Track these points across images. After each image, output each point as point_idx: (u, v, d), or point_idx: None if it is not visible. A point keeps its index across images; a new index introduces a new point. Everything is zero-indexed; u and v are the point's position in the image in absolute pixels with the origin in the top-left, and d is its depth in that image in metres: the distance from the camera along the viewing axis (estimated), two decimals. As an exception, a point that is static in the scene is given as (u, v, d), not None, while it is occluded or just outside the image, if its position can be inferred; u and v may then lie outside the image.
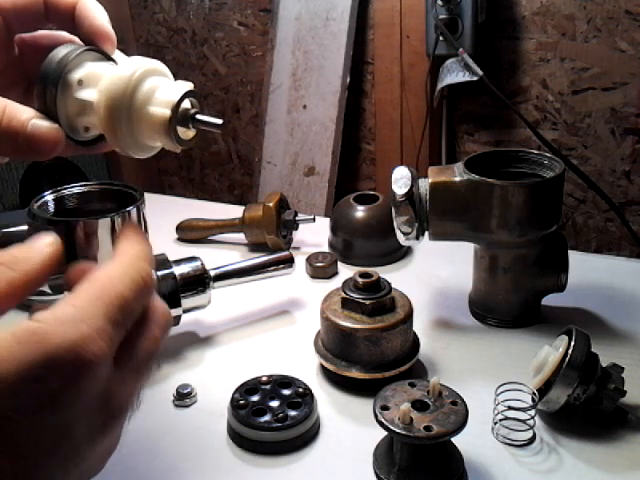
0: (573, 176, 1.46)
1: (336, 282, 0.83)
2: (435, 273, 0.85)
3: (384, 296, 0.63)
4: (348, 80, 1.74)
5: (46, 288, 0.60)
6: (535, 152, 0.73)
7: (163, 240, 0.95)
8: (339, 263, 0.87)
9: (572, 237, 1.68)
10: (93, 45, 0.49)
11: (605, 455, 0.55)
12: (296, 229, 0.92)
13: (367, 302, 0.62)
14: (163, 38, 2.05)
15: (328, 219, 0.94)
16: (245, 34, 1.92)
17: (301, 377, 0.61)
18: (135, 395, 0.39)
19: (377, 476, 0.53)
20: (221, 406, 0.60)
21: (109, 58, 0.50)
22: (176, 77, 0.49)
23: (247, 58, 1.95)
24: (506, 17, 1.58)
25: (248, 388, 0.60)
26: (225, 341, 0.73)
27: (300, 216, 0.92)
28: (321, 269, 0.85)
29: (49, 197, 0.63)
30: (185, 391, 0.62)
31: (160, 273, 0.67)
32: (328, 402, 0.62)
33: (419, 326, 0.70)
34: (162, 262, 0.68)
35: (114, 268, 0.40)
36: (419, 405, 0.52)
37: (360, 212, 0.88)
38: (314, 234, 0.95)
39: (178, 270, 0.68)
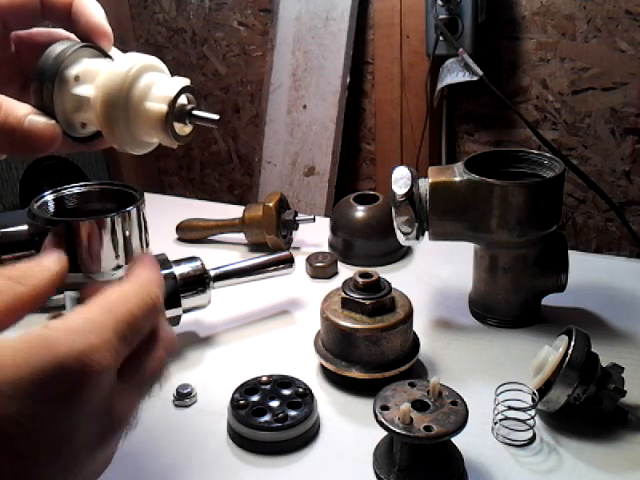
0: (573, 176, 1.46)
1: (336, 282, 0.83)
2: (435, 273, 0.85)
3: (384, 296, 0.63)
4: (348, 80, 1.74)
5: (46, 288, 0.60)
6: (535, 152, 0.73)
7: (163, 240, 0.95)
8: (339, 263, 0.87)
9: (572, 237, 1.68)
10: (90, 42, 0.49)
11: (605, 455, 0.55)
12: (296, 229, 0.92)
13: (367, 302, 0.62)
14: (163, 38, 2.05)
15: (328, 219, 0.94)
16: (245, 34, 1.92)
17: (301, 377, 0.61)
18: (135, 410, 0.40)
19: (377, 476, 0.53)
20: (221, 406, 0.60)
21: (106, 55, 0.50)
22: (176, 77, 0.49)
23: (247, 58, 1.95)
24: (506, 17, 1.58)
25: (248, 388, 0.60)
26: (225, 341, 0.73)
27: (300, 216, 0.92)
28: (321, 269, 0.85)
29: (49, 197, 0.63)
30: (185, 391, 0.62)
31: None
32: (328, 402, 0.62)
33: (419, 326, 0.70)
34: (162, 262, 0.68)
35: (127, 287, 0.42)
36: (419, 405, 0.52)
37: (360, 212, 0.88)
38: (314, 234, 0.95)
39: (178, 270, 0.68)
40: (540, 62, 1.59)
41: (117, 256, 0.60)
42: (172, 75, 0.49)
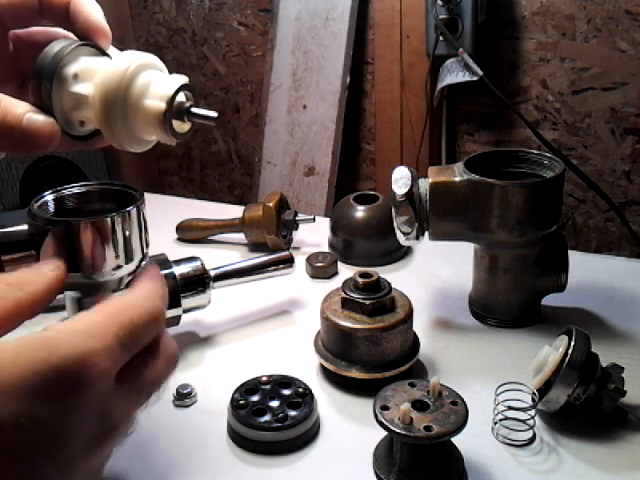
0: (573, 176, 1.46)
1: (336, 282, 0.83)
2: (435, 273, 0.85)
3: (384, 296, 0.63)
4: (348, 80, 1.74)
5: (46, 288, 0.60)
6: (535, 152, 0.73)
7: (163, 240, 0.95)
8: (339, 263, 0.87)
9: (572, 237, 1.68)
10: (88, 40, 0.49)
11: (605, 455, 0.55)
12: (296, 229, 0.92)
13: (367, 302, 0.62)
14: (163, 38, 2.05)
15: (328, 219, 0.94)
16: (245, 34, 1.92)
17: (301, 377, 0.61)
18: (132, 416, 0.41)
19: (377, 476, 0.53)
20: (221, 406, 0.60)
21: (104, 53, 0.50)
22: (176, 77, 0.49)
23: (247, 58, 1.95)
24: (506, 17, 1.58)
25: (248, 388, 0.60)
26: (225, 341, 0.73)
27: (300, 216, 0.92)
28: (321, 269, 0.85)
29: (49, 197, 0.63)
30: (185, 391, 0.62)
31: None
32: (328, 402, 0.62)
33: (419, 326, 0.70)
34: (162, 262, 0.68)
35: (131, 297, 0.43)
36: (419, 405, 0.52)
37: (360, 212, 0.88)
38: (314, 234, 0.95)
39: (178, 270, 0.68)
40: (540, 62, 1.59)
41: (117, 256, 0.60)
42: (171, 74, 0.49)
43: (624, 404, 0.58)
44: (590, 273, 0.82)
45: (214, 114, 0.48)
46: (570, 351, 0.55)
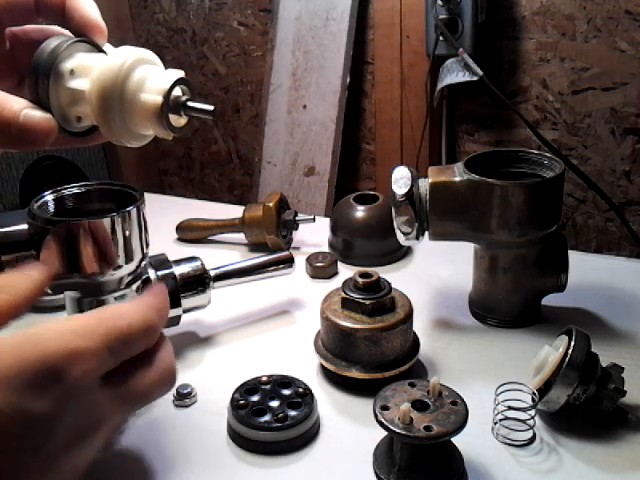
0: (573, 176, 1.46)
1: (336, 282, 0.83)
2: (435, 273, 0.85)
3: (384, 296, 0.63)
4: (348, 80, 1.74)
5: (46, 288, 0.60)
6: (535, 152, 0.73)
7: (163, 240, 0.95)
8: (339, 263, 0.87)
9: (572, 237, 1.68)
10: (84, 37, 0.49)
11: (605, 455, 0.55)
12: (296, 229, 0.92)
13: (367, 302, 0.62)
14: (163, 38, 2.05)
15: (328, 219, 0.94)
16: (245, 34, 1.93)
17: (301, 377, 0.61)
18: (116, 420, 0.42)
19: (377, 476, 0.53)
20: (221, 406, 0.60)
21: (100, 49, 0.50)
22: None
23: (247, 58, 1.95)
24: (506, 17, 1.58)
25: (248, 388, 0.60)
26: (225, 341, 0.73)
27: (300, 216, 0.92)
28: (321, 269, 0.85)
29: (49, 197, 0.63)
30: (185, 391, 0.62)
31: (160, 273, 0.67)
32: (328, 402, 0.62)
33: (419, 326, 0.70)
34: (162, 262, 0.68)
35: (126, 306, 0.44)
36: (419, 405, 0.52)
37: (360, 212, 0.88)
38: (314, 234, 0.95)
39: (178, 270, 0.68)
40: (540, 62, 1.59)
41: (117, 256, 0.60)
42: None
43: (624, 404, 0.58)
44: (590, 273, 0.82)
45: (210, 108, 0.48)
46: (570, 351, 0.55)
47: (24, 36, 0.51)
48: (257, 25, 1.90)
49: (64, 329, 0.39)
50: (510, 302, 0.72)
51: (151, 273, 0.66)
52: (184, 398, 0.62)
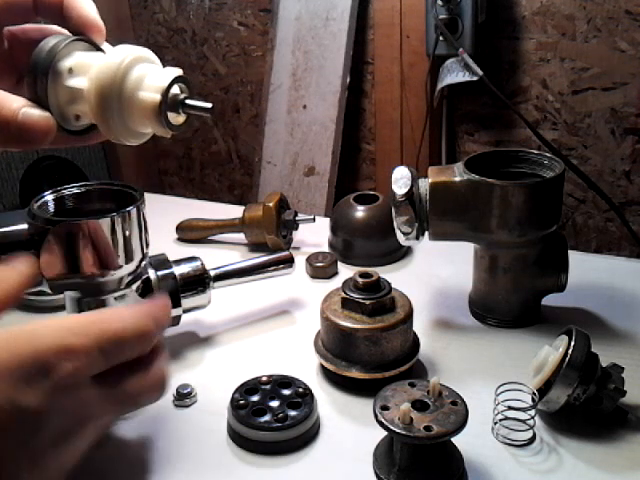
0: (573, 176, 1.46)
1: (336, 282, 0.83)
2: (435, 273, 0.85)
3: (384, 296, 0.63)
4: (348, 80, 1.74)
5: (46, 288, 0.60)
6: (535, 152, 0.73)
7: (163, 240, 0.95)
8: (339, 263, 0.87)
9: (572, 237, 1.68)
10: (82, 36, 0.49)
11: (605, 455, 0.55)
12: (296, 229, 0.92)
13: (367, 302, 0.62)
14: (163, 38, 2.05)
15: (328, 219, 0.94)
16: (245, 34, 1.93)
17: (301, 377, 0.61)
18: (104, 420, 0.43)
19: (377, 476, 0.53)
20: (221, 406, 0.60)
21: (98, 48, 0.50)
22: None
23: (247, 58, 1.95)
24: (506, 17, 1.58)
25: (248, 388, 0.60)
26: (225, 341, 0.73)
27: (300, 216, 0.92)
28: (321, 269, 0.85)
29: (49, 197, 0.63)
30: (185, 391, 0.62)
31: (160, 273, 0.67)
32: (328, 402, 0.62)
33: (419, 326, 0.70)
34: (162, 262, 0.68)
35: (125, 310, 0.46)
36: (419, 405, 0.52)
37: (360, 212, 0.88)
38: (314, 234, 0.95)
39: (178, 270, 0.68)
40: (540, 62, 1.59)
41: (117, 256, 0.60)
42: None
43: (624, 404, 0.58)
44: (590, 273, 0.82)
45: (208, 105, 0.48)
46: (570, 351, 0.55)
47: (22, 35, 0.51)
48: (257, 25, 1.90)
49: (59, 326, 0.40)
50: (510, 302, 0.72)
51: (151, 273, 0.66)
52: (184, 398, 0.62)
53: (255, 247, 0.93)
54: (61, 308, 0.74)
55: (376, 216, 0.87)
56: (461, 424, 0.50)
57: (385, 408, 0.51)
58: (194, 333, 0.74)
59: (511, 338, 0.71)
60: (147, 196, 0.65)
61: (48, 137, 0.46)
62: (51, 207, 0.63)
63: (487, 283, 0.72)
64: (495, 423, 0.58)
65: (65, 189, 0.64)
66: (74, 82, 0.48)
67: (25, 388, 0.37)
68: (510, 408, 0.56)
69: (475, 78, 1.47)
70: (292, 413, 0.57)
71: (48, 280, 0.59)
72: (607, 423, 0.57)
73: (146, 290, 0.65)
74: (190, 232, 0.96)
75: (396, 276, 0.84)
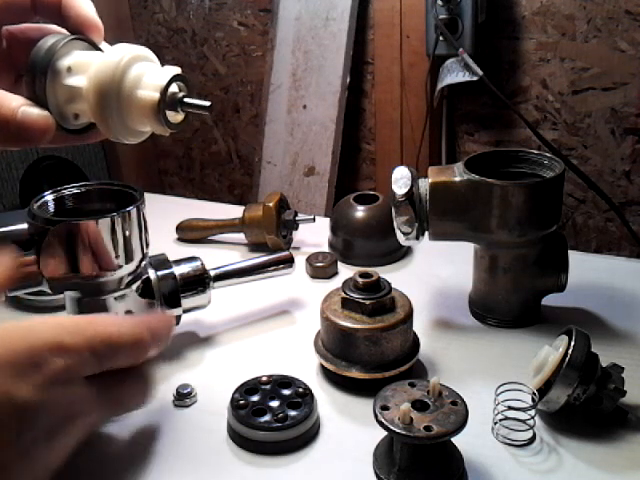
0: (573, 176, 1.46)
1: (336, 282, 0.83)
2: (435, 273, 0.85)
3: (384, 296, 0.63)
4: (348, 80, 1.74)
5: (46, 288, 0.60)
6: (535, 152, 0.73)
7: (163, 240, 0.95)
8: (339, 263, 0.87)
9: (572, 237, 1.68)
10: (81, 35, 0.49)
11: (605, 455, 0.55)
12: (296, 229, 0.92)
13: (367, 302, 0.62)
14: (163, 38, 2.05)
15: (328, 219, 0.94)
16: (245, 34, 1.93)
17: (301, 377, 0.61)
18: (92, 419, 0.45)
19: (377, 476, 0.53)
20: (221, 406, 0.60)
21: (97, 47, 0.50)
22: (176, 77, 0.49)
23: (247, 58, 1.95)
24: (506, 17, 1.58)
25: (248, 388, 0.60)
26: (225, 341, 0.73)
27: (300, 216, 0.92)
28: (321, 269, 0.85)
29: (49, 197, 0.63)
30: (185, 391, 0.62)
31: (160, 273, 0.67)
32: (328, 402, 0.62)
33: (419, 326, 0.70)
34: (162, 262, 0.68)
35: (123, 317, 0.49)
36: (419, 405, 0.52)
37: (360, 212, 0.88)
38: (314, 234, 0.95)
39: (178, 270, 0.68)
40: (540, 62, 1.59)
41: (117, 256, 0.60)
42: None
43: (624, 404, 0.58)
44: (590, 273, 0.82)
45: (207, 103, 0.48)
46: (570, 351, 0.55)
47: (21, 34, 0.51)
48: (257, 25, 1.90)
49: (55, 324, 0.42)
50: (510, 302, 0.72)
51: (151, 273, 0.66)
52: (184, 398, 0.62)
53: (255, 247, 0.93)
54: (61, 308, 0.74)
55: (376, 216, 0.87)
56: (461, 424, 0.50)
57: (385, 408, 0.51)
58: (194, 333, 0.74)
59: (511, 338, 0.71)
60: (147, 196, 0.65)
61: (47, 136, 0.46)
62: (51, 207, 0.63)
63: (487, 283, 0.72)
64: (495, 423, 0.58)
65: (65, 189, 0.64)
66: (73, 81, 0.48)
67: (18, 381, 0.39)
68: (510, 408, 0.56)
69: (475, 78, 1.47)
70: (292, 413, 0.57)
71: (48, 280, 0.59)
72: (607, 423, 0.57)
73: (146, 290, 0.65)
74: (190, 232, 0.96)
75: (396, 276, 0.84)
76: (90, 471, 0.54)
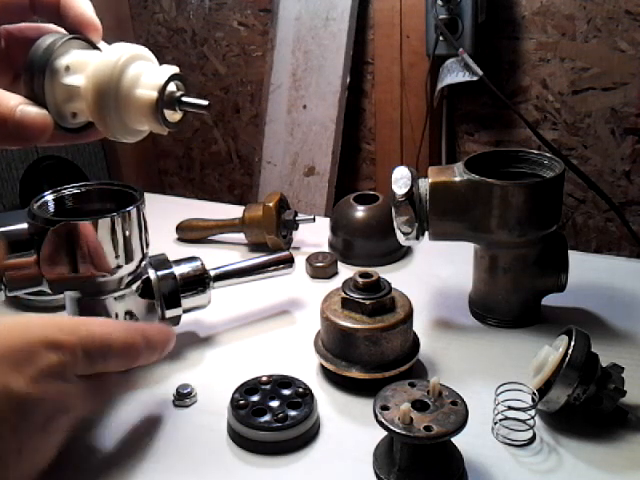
0: (573, 176, 1.46)
1: (336, 282, 0.83)
2: (435, 273, 0.85)
3: (384, 296, 0.63)
4: (348, 80, 1.74)
5: (46, 288, 0.60)
6: (535, 152, 0.73)
7: (163, 240, 0.95)
8: (339, 263, 0.87)
9: (572, 237, 1.68)
10: (79, 34, 0.49)
11: (605, 455, 0.55)
12: (296, 229, 0.92)
13: (367, 302, 0.62)
14: (163, 38, 2.05)
15: (328, 219, 0.94)
16: (245, 34, 1.93)
17: (301, 377, 0.61)
18: (79, 412, 0.48)
19: (377, 476, 0.53)
20: (221, 406, 0.60)
21: (95, 47, 0.50)
22: (176, 77, 0.49)
23: (247, 58, 1.95)
24: (506, 17, 1.58)
25: (248, 388, 0.60)
26: (225, 341, 0.73)
27: (300, 216, 0.92)
28: (321, 269, 0.85)
29: (49, 197, 0.63)
30: (185, 391, 0.62)
31: (160, 273, 0.67)
32: (328, 402, 0.62)
33: (419, 326, 0.70)
34: (162, 262, 0.68)
35: (117, 322, 0.52)
36: (419, 405, 0.52)
37: (360, 212, 0.88)
38: (314, 234, 0.95)
39: (178, 270, 0.68)
40: (540, 62, 1.59)
41: (117, 256, 0.60)
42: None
43: (624, 404, 0.58)
44: (590, 273, 0.82)
45: (205, 102, 0.48)
46: (570, 351, 0.55)
47: (19, 34, 0.51)
48: (257, 25, 1.90)
49: (51, 323, 0.45)
50: (510, 302, 0.72)
51: (151, 273, 0.66)
52: (184, 398, 0.62)
53: (255, 247, 0.93)
54: (61, 308, 0.74)
55: (376, 216, 0.87)
56: (461, 424, 0.50)
57: (385, 408, 0.51)
58: (194, 333, 0.74)
59: (511, 338, 0.71)
60: (147, 196, 0.65)
61: (45, 134, 0.47)
62: (51, 207, 0.63)
63: (487, 283, 0.72)
64: (495, 423, 0.58)
65: (65, 189, 0.65)
66: (71, 80, 0.48)
67: (14, 373, 0.41)
68: (510, 408, 0.56)
69: (475, 78, 1.47)
70: (292, 413, 0.57)
71: (48, 280, 0.59)
72: (607, 423, 0.57)
73: (146, 290, 0.65)
74: (190, 232, 0.96)
75: (396, 276, 0.84)
76: (90, 471, 0.54)
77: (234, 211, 0.95)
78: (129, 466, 0.55)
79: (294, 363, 0.67)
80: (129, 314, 0.63)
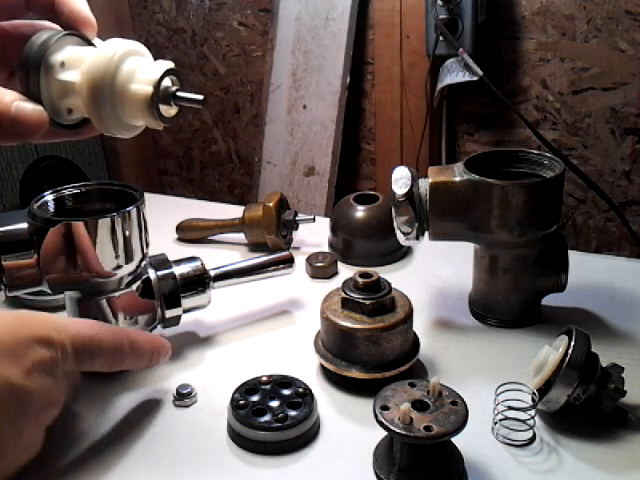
0: (573, 176, 1.46)
1: (336, 282, 0.83)
2: (435, 273, 0.85)
3: (384, 296, 0.63)
4: (348, 80, 1.74)
5: (46, 288, 0.60)
6: (535, 152, 0.73)
7: (163, 240, 0.95)
8: (339, 263, 0.87)
9: (572, 237, 1.68)
10: (74, 30, 0.49)
11: (605, 455, 0.55)
12: (296, 229, 0.92)
13: (367, 302, 0.62)
14: (163, 38, 2.05)
15: (328, 219, 0.94)
16: (245, 34, 1.93)
17: (301, 377, 0.61)
18: (61, 403, 0.51)
19: (377, 476, 0.53)
20: (221, 406, 0.60)
21: (90, 43, 0.50)
22: (176, 77, 0.49)
23: (247, 58, 1.95)
24: (506, 17, 1.58)
25: (248, 388, 0.60)
26: (225, 341, 0.73)
27: (300, 216, 0.92)
28: (321, 269, 0.85)
29: (49, 197, 0.63)
30: (185, 391, 0.62)
31: (160, 273, 0.67)
32: (328, 402, 0.62)
33: (419, 326, 0.70)
34: (162, 262, 0.68)
35: (106, 325, 0.53)
36: (419, 405, 0.52)
37: (360, 212, 0.88)
38: (314, 234, 0.95)
39: (178, 270, 0.68)
40: (540, 62, 1.59)
41: (117, 256, 0.60)
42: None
43: (624, 404, 0.58)
44: (590, 273, 0.82)
45: (200, 97, 0.48)
46: (570, 351, 0.55)
47: (14, 31, 0.51)
48: (257, 25, 1.90)
49: (46, 320, 0.48)
50: (510, 302, 0.72)
51: (151, 273, 0.66)
52: (184, 398, 0.62)
53: (255, 247, 0.93)
54: (61, 308, 0.74)
55: (376, 216, 0.87)
56: (461, 424, 0.50)
57: (385, 408, 0.51)
58: (194, 333, 0.74)
59: (511, 338, 0.71)
60: (147, 196, 0.65)
61: (40, 130, 0.47)
62: (51, 207, 0.63)
63: (487, 283, 0.72)
64: (495, 423, 0.58)
65: (65, 189, 0.65)
66: (66, 76, 0.48)
67: (12, 364, 0.44)
68: (510, 408, 0.56)
69: (475, 78, 1.47)
70: (292, 413, 0.57)
71: (48, 280, 0.59)
72: (607, 423, 0.57)
73: (146, 290, 0.65)
74: (190, 232, 0.96)
75: (396, 276, 0.84)
76: (90, 470, 0.54)
77: (234, 211, 0.95)
78: (129, 466, 0.55)
79: (294, 363, 0.67)
80: (129, 314, 0.64)
